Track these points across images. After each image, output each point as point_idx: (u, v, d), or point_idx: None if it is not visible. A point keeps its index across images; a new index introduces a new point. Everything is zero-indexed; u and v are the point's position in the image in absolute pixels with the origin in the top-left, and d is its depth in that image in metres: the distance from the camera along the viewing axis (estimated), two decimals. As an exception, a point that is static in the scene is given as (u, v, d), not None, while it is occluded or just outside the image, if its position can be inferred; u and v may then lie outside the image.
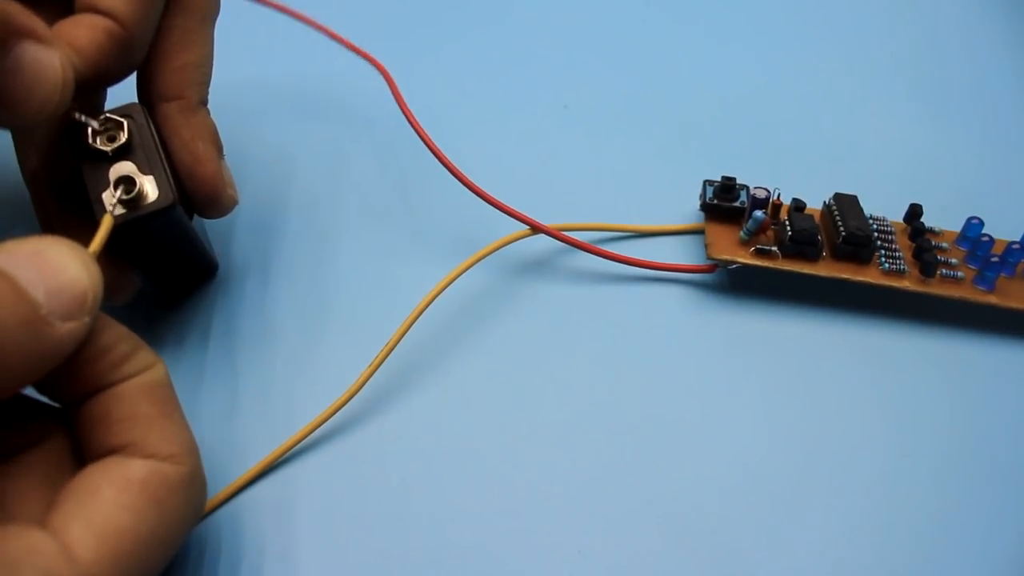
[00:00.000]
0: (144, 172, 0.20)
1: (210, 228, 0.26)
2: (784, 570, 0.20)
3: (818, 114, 0.32)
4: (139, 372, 0.17)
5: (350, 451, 0.22)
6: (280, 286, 0.25)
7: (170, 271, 0.23)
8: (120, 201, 0.19)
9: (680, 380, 0.24)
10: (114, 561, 0.15)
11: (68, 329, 0.15)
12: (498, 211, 0.25)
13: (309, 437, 0.22)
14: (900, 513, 0.22)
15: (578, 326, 0.25)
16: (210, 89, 0.23)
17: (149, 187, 0.20)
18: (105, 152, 0.20)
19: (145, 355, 0.18)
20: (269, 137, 0.30)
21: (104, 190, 0.19)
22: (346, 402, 0.22)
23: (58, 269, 0.15)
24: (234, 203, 0.23)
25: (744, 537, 0.21)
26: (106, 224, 0.19)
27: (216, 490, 0.21)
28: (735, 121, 0.32)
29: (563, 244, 0.26)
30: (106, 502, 0.16)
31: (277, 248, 0.26)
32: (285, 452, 0.21)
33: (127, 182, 0.19)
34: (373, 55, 0.28)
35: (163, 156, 0.20)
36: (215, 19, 0.23)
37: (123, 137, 0.20)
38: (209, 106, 0.23)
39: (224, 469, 0.21)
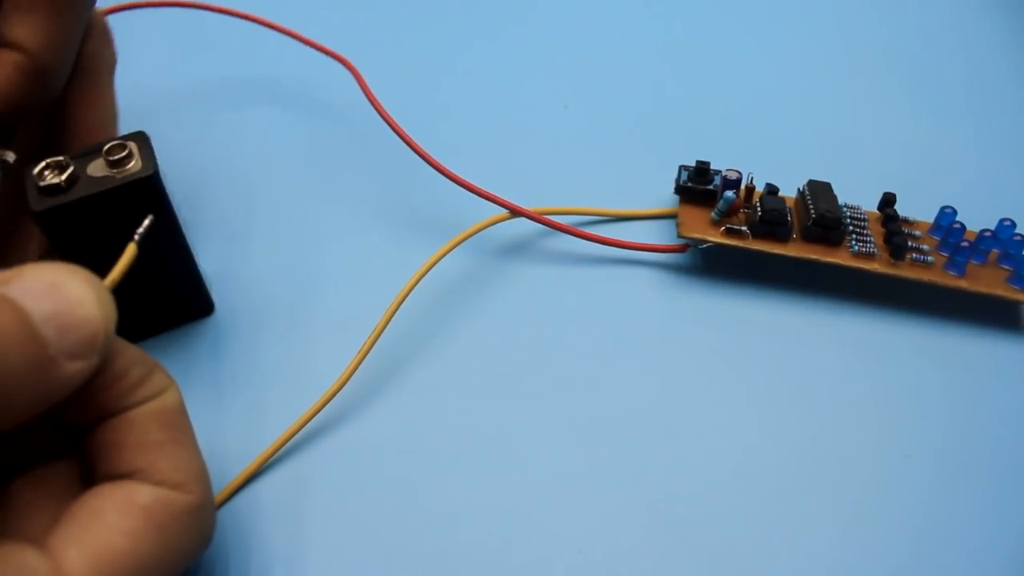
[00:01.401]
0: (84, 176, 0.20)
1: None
2: (774, 559, 0.20)
3: (798, 104, 0.33)
4: (152, 397, 0.17)
5: (339, 445, 0.22)
6: (261, 282, 0.25)
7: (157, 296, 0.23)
8: (50, 186, 0.19)
9: (654, 358, 0.24)
10: None
11: (76, 368, 0.15)
12: (476, 196, 0.26)
13: (300, 433, 0.22)
14: (884, 500, 0.22)
15: (557, 306, 0.25)
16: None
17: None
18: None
19: (159, 379, 0.17)
20: (242, 137, 0.30)
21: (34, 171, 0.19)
22: (334, 395, 0.22)
23: (73, 305, 0.15)
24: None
25: (724, 520, 0.21)
26: (129, 253, 0.18)
27: (216, 490, 0.20)
28: (715, 110, 0.32)
29: (541, 227, 0.26)
30: (106, 525, 0.15)
31: (256, 245, 0.27)
32: (277, 450, 0.21)
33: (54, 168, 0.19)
34: (340, 52, 0.29)
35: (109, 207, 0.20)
36: (112, 72, 0.23)
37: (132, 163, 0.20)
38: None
39: (216, 470, 0.21)
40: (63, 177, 0.19)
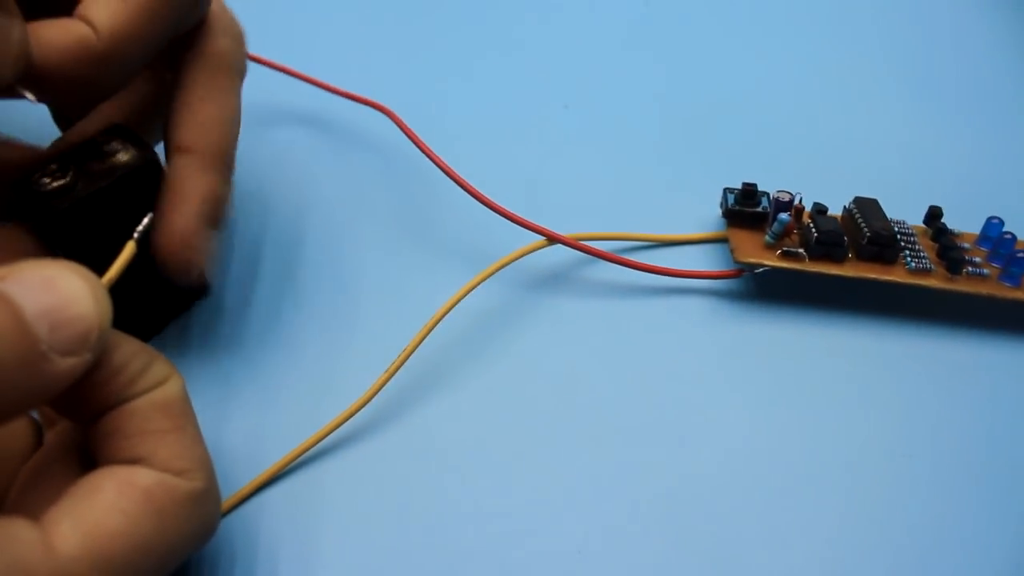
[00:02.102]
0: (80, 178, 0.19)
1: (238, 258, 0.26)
2: (775, 560, 0.20)
3: (834, 119, 0.32)
4: (153, 387, 0.17)
5: (363, 458, 0.22)
6: (302, 303, 0.25)
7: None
8: (50, 191, 0.19)
9: (705, 389, 0.23)
10: (96, 562, 0.14)
11: (68, 365, 0.15)
12: (513, 224, 0.25)
13: (323, 442, 0.21)
14: (901, 510, 0.21)
15: (598, 338, 0.25)
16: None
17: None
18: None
19: (160, 368, 0.17)
20: (285, 181, 0.29)
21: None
22: (359, 409, 0.21)
23: (68, 301, 0.15)
24: (199, 274, 0.21)
25: (731, 524, 0.21)
26: (128, 252, 0.18)
27: (230, 492, 0.20)
28: (748, 128, 0.32)
29: (580, 255, 0.26)
30: (103, 503, 0.15)
31: (299, 269, 0.26)
32: (298, 456, 0.21)
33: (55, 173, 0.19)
34: (375, 99, 0.28)
35: (110, 194, 0.20)
36: (242, 77, 0.22)
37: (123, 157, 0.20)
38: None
39: (240, 472, 0.21)
40: (67, 178, 0.19)
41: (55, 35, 0.18)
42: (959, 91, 0.34)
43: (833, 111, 0.33)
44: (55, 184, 0.19)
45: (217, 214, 0.21)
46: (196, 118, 0.21)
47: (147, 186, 0.20)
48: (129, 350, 0.17)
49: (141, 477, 0.16)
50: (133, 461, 0.16)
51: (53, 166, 0.19)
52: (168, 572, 0.16)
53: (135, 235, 0.18)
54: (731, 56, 0.35)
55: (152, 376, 0.17)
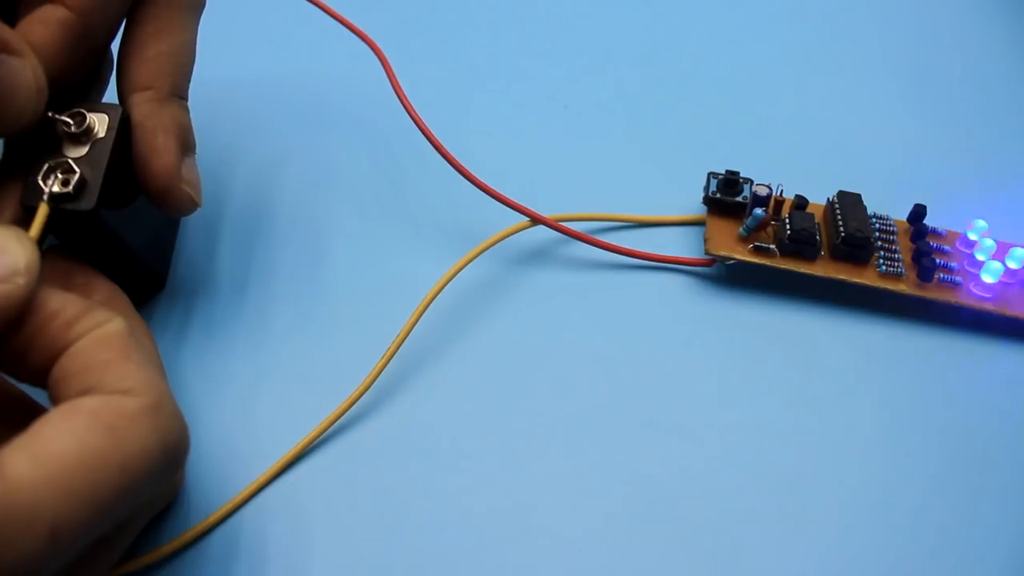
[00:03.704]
0: (83, 170, 0.19)
1: (200, 233, 0.26)
2: (780, 562, 0.21)
3: (827, 109, 0.32)
4: (94, 328, 0.17)
5: (357, 451, 0.22)
6: (280, 288, 0.25)
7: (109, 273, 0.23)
8: (52, 194, 0.19)
9: (677, 369, 0.25)
10: (49, 479, 0.15)
11: (3, 289, 0.16)
12: (497, 203, 0.25)
13: (319, 439, 0.22)
14: (892, 506, 0.22)
15: (579, 316, 0.25)
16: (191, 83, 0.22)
17: (76, 185, 0.19)
18: (59, 140, 0.20)
19: (99, 313, 0.17)
20: (253, 132, 0.29)
21: (39, 175, 0.19)
22: (355, 401, 0.22)
23: None
24: (192, 203, 0.22)
25: (740, 527, 0.22)
26: (42, 212, 0.19)
27: (227, 498, 0.21)
28: (743, 115, 0.31)
29: (563, 235, 0.26)
30: (50, 429, 0.15)
31: (274, 250, 0.26)
32: (297, 455, 0.22)
33: (57, 172, 0.19)
34: (368, 34, 0.27)
35: (115, 161, 0.20)
36: (198, 10, 0.22)
37: (74, 129, 0.19)
38: (189, 103, 0.22)
39: (233, 476, 0.22)
40: (69, 173, 0.19)
41: (42, 32, 0.19)
42: (958, 87, 0.33)
43: (829, 102, 0.32)
44: (62, 188, 0.19)
45: (187, 141, 0.22)
46: (147, 55, 0.21)
47: (127, 135, 0.21)
48: (62, 299, 0.17)
49: (86, 401, 0.16)
50: (83, 393, 0.16)
51: (53, 163, 0.19)
52: (136, 488, 0.16)
53: (44, 197, 0.19)
54: (729, 43, 0.34)
55: (91, 319, 0.17)
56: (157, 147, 0.21)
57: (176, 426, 0.17)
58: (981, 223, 0.26)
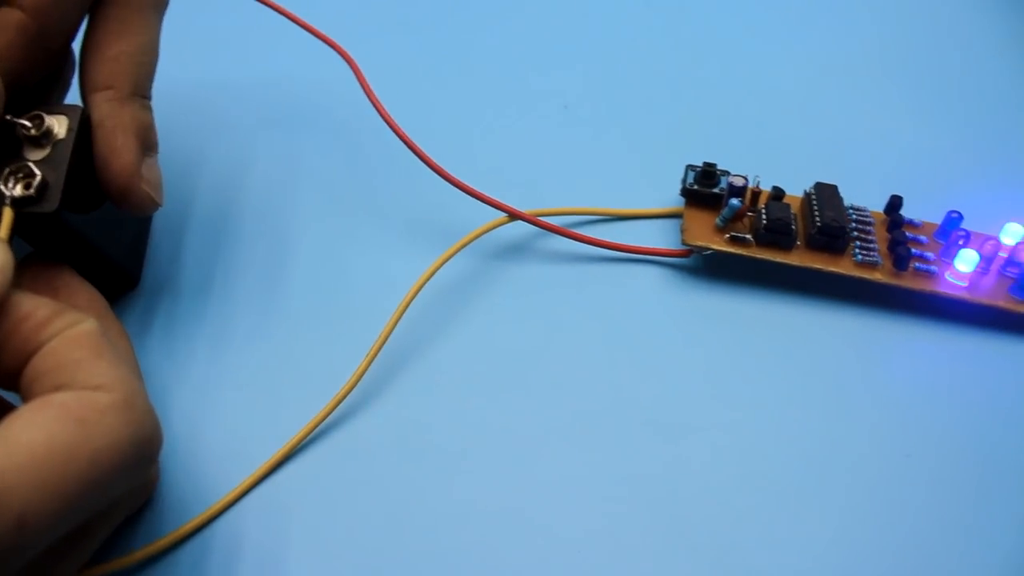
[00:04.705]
0: (44, 172, 0.19)
1: (176, 231, 0.26)
2: (771, 551, 0.21)
3: (805, 102, 0.32)
4: (65, 328, 0.17)
5: (341, 452, 0.22)
6: (258, 289, 0.25)
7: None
8: (14, 198, 0.19)
9: (655, 360, 0.25)
10: (18, 469, 0.15)
11: None
12: (474, 200, 0.25)
13: (304, 442, 0.22)
14: (868, 489, 0.22)
15: (558, 310, 0.25)
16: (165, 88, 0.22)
17: (38, 188, 0.19)
18: (19, 143, 0.20)
19: (71, 314, 0.17)
20: (225, 134, 0.29)
21: (0, 179, 0.19)
22: (339, 403, 0.22)
23: None
24: (153, 202, 0.22)
25: (719, 513, 0.22)
26: (7, 216, 0.19)
27: (207, 504, 0.21)
28: (722, 107, 0.31)
29: (542, 230, 0.26)
30: (20, 421, 0.16)
31: (239, 253, 0.26)
32: (281, 459, 0.22)
33: (18, 176, 0.19)
34: (337, 41, 0.27)
35: (76, 162, 0.20)
36: (160, 10, 0.22)
37: (33, 132, 0.19)
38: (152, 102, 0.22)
39: (214, 481, 0.21)
40: (30, 177, 0.19)
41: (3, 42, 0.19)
42: (938, 78, 0.33)
43: (809, 93, 0.32)
44: (24, 192, 0.19)
45: (148, 141, 0.22)
46: (107, 54, 0.21)
47: (88, 136, 0.21)
48: (33, 302, 0.17)
49: (57, 396, 0.16)
50: (54, 391, 0.16)
51: (6, 171, 0.19)
52: (110, 482, 0.16)
53: (6, 201, 0.19)
54: (706, 36, 0.34)
55: (64, 319, 0.17)
56: (117, 147, 0.21)
57: (148, 421, 0.17)
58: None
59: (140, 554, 0.20)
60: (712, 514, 0.22)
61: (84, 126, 0.20)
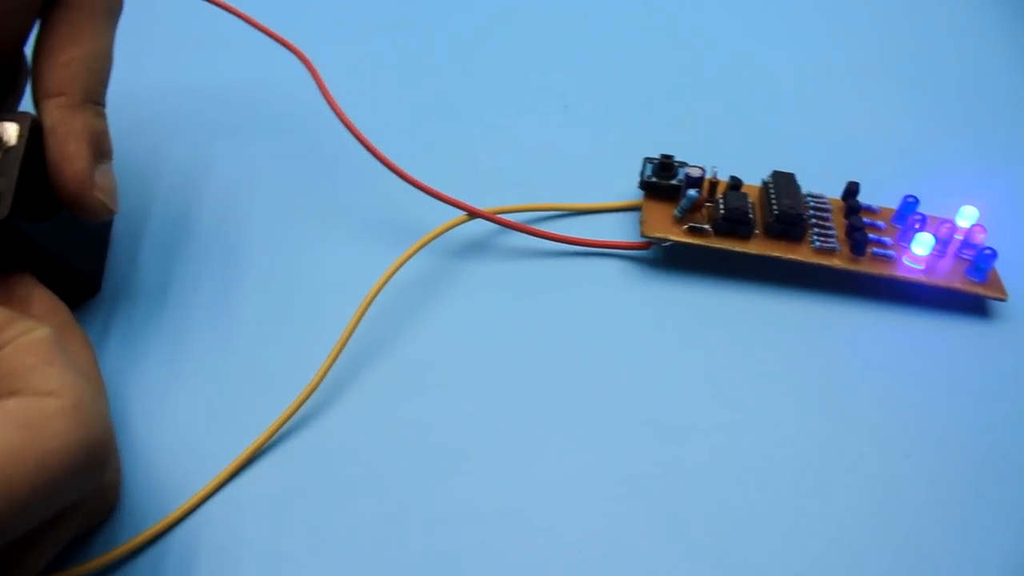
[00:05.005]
0: None
1: (137, 237, 0.26)
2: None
3: (764, 92, 0.32)
4: (18, 336, 0.17)
5: (304, 455, 0.22)
6: (218, 293, 0.25)
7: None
8: None
9: (620, 352, 0.24)
10: None
11: None
12: (433, 200, 0.25)
13: (265, 446, 0.22)
14: (831, 480, 0.22)
15: (519, 305, 0.25)
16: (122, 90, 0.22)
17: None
18: None
19: (24, 322, 0.17)
20: (183, 138, 0.29)
21: None
22: (302, 403, 0.22)
23: None
24: (107, 209, 0.21)
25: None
26: None
27: (171, 508, 0.21)
28: (680, 99, 0.32)
29: (501, 227, 0.26)
30: None
31: (198, 257, 0.26)
32: (244, 463, 0.21)
33: None
34: (292, 40, 0.28)
35: (28, 168, 0.20)
36: (114, 16, 0.22)
37: None
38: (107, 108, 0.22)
39: (176, 487, 0.21)
40: None
41: None
42: (893, 65, 0.34)
43: (766, 84, 0.32)
44: None
45: (102, 147, 0.21)
46: (59, 61, 0.20)
47: (40, 143, 0.20)
48: None
49: (6, 404, 0.16)
50: (5, 398, 0.16)
51: None
52: (59, 486, 0.16)
53: None
54: (663, 29, 0.35)
55: (16, 327, 0.17)
56: (68, 153, 0.20)
57: (98, 425, 0.17)
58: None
59: (97, 562, 0.20)
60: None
61: (36, 133, 0.20)
